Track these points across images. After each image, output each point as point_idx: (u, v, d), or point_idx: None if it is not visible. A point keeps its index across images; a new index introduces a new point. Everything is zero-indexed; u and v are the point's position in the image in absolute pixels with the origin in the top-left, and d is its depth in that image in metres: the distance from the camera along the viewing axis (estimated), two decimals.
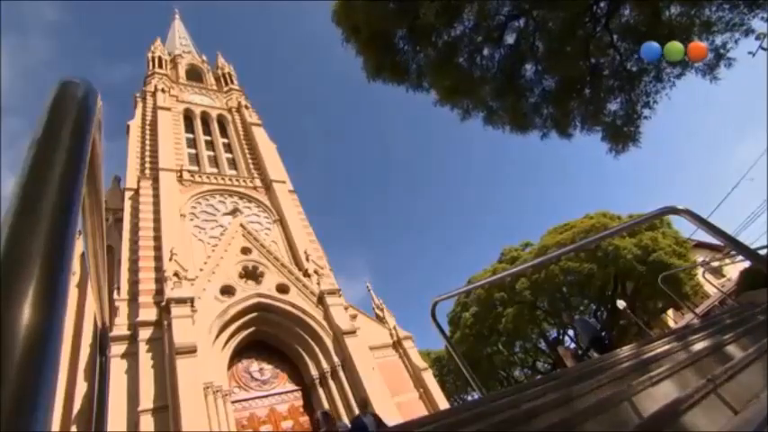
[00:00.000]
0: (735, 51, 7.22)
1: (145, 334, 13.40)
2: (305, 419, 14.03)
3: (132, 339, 13.43)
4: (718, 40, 7.31)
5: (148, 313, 14.01)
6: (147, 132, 22.26)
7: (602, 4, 7.68)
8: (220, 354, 13.77)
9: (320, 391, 14.19)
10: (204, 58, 33.29)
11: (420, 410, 14.29)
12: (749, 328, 3.98)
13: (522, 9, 7.80)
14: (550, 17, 7.46)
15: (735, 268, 18.36)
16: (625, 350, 4.37)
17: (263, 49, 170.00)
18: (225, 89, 29.16)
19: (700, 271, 17.88)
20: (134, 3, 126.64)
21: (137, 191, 18.70)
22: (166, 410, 11.82)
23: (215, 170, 22.17)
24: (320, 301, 16.24)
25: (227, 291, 15.21)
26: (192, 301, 13.90)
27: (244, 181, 21.62)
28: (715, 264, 19.68)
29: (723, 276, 24.02)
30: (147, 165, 20.11)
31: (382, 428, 6.72)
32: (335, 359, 14.58)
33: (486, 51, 8.13)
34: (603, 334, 20.54)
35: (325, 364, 14.62)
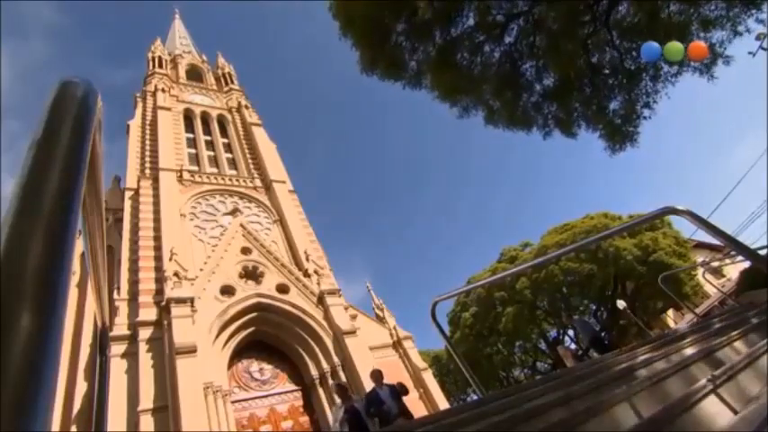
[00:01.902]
0: (734, 51, 7.23)
1: (145, 334, 13.40)
2: (305, 419, 14.03)
3: (132, 339, 13.43)
4: (716, 37, 7.32)
5: (148, 313, 14.01)
6: (148, 132, 22.26)
7: (601, 3, 7.68)
8: (220, 354, 13.76)
9: (320, 391, 14.19)
10: (204, 58, 33.29)
11: (420, 410, 14.28)
12: (749, 328, 3.98)
13: (521, 8, 7.80)
14: (550, 16, 7.46)
15: (735, 268, 18.36)
16: (625, 350, 4.37)
17: (263, 49, 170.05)
18: (225, 89, 29.15)
19: (700, 271, 17.88)
20: (134, 3, 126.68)
21: (137, 191, 18.70)
22: (166, 410, 11.82)
23: (215, 170, 22.16)
24: (320, 301, 16.24)
25: (227, 291, 15.21)
26: (192, 301, 13.90)
27: (244, 181, 21.62)
28: (715, 264, 19.68)
29: (723, 276, 24.03)
30: (147, 165, 20.11)
31: (401, 405, 6.33)
32: (335, 359, 14.58)
33: (486, 49, 8.13)
34: (603, 334, 20.56)
35: (325, 364, 14.62)
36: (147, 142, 21.50)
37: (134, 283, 15.29)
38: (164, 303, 13.78)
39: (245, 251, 16.89)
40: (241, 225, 17.81)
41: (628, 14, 7.91)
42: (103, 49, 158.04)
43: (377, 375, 7.08)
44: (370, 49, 7.94)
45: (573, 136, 8.63)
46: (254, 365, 14.81)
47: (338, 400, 6.53)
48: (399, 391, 6.62)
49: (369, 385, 13.61)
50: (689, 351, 3.36)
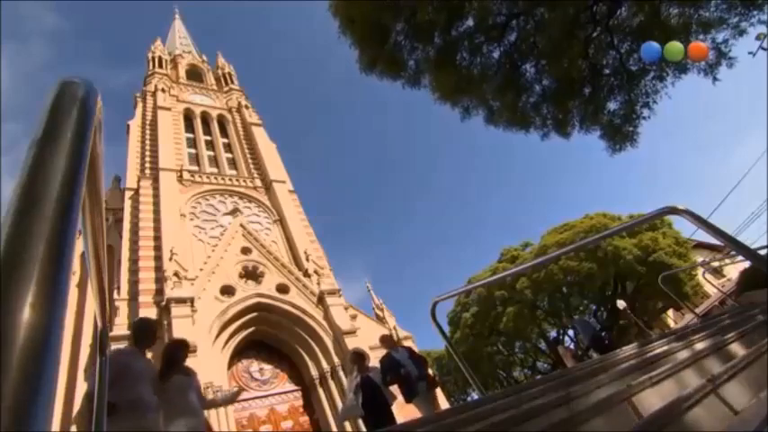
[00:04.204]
0: (734, 51, 7.22)
1: None
2: (305, 419, 14.04)
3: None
4: (719, 37, 7.31)
5: (148, 313, 13.99)
6: (148, 132, 22.28)
7: (601, 5, 7.68)
8: (220, 354, 13.77)
9: (320, 391, 14.20)
10: (204, 58, 33.29)
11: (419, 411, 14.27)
12: (749, 328, 3.98)
13: (522, 8, 7.80)
14: (550, 17, 7.46)
15: (735, 268, 18.36)
16: (625, 350, 4.37)
17: (263, 49, 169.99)
18: (225, 89, 29.15)
19: (700, 271, 17.87)
20: (134, 3, 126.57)
21: (137, 191, 18.71)
22: None
23: (215, 170, 22.17)
24: (320, 301, 16.24)
25: (227, 291, 15.22)
26: (191, 301, 13.91)
27: (244, 181, 21.62)
28: (715, 264, 19.68)
29: (723, 276, 24.02)
30: (147, 164, 20.12)
31: (422, 369, 5.78)
32: (335, 359, 14.58)
33: (485, 49, 8.13)
34: (603, 334, 20.53)
35: (325, 364, 14.62)
36: (147, 142, 21.52)
37: (134, 283, 15.29)
38: (164, 303, 13.79)
39: (245, 251, 16.90)
40: (241, 225, 17.82)
41: (628, 16, 7.92)
42: (103, 51, 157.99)
43: (388, 339, 6.60)
44: (370, 49, 7.94)
45: (567, 136, 8.63)
46: (254, 365, 14.82)
47: (354, 370, 5.90)
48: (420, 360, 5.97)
49: None
50: (689, 351, 3.36)
